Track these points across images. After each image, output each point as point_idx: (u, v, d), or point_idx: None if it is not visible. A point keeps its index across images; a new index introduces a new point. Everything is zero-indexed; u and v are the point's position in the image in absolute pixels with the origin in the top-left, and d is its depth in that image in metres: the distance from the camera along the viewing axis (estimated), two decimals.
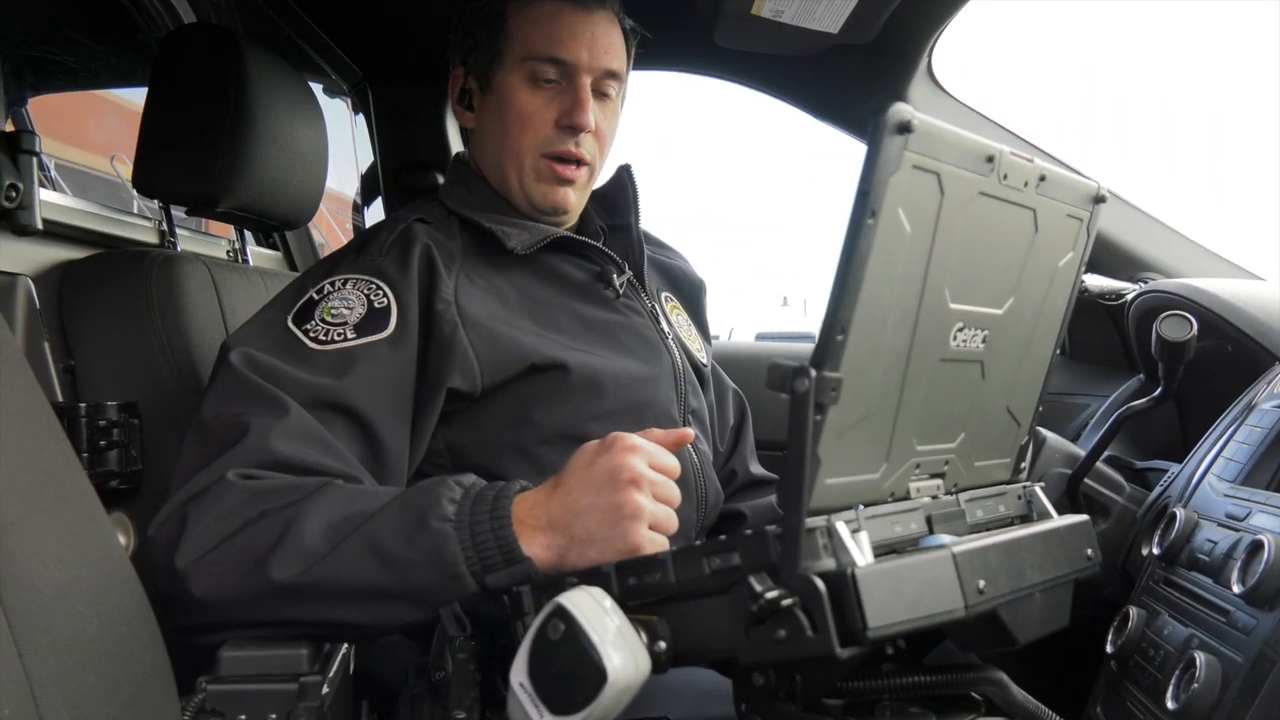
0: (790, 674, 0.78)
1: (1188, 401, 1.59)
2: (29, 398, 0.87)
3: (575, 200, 1.33)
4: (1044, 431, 1.40)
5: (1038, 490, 0.97)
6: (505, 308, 1.22)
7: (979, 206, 0.77)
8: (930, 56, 1.88)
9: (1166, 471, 1.34)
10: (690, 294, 1.56)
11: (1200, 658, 0.95)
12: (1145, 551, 1.22)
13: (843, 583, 0.68)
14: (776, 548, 0.72)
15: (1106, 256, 1.84)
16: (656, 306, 1.41)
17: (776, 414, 1.14)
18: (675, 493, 0.98)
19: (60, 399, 1.27)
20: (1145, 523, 1.28)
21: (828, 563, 0.72)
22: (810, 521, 0.70)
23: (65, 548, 0.83)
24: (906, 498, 0.83)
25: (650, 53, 1.43)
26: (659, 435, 1.00)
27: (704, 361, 1.48)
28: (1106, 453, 1.35)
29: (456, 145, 2.25)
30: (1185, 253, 1.88)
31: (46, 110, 1.91)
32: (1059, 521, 0.92)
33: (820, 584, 0.68)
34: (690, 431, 1.06)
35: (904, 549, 0.79)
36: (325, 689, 0.88)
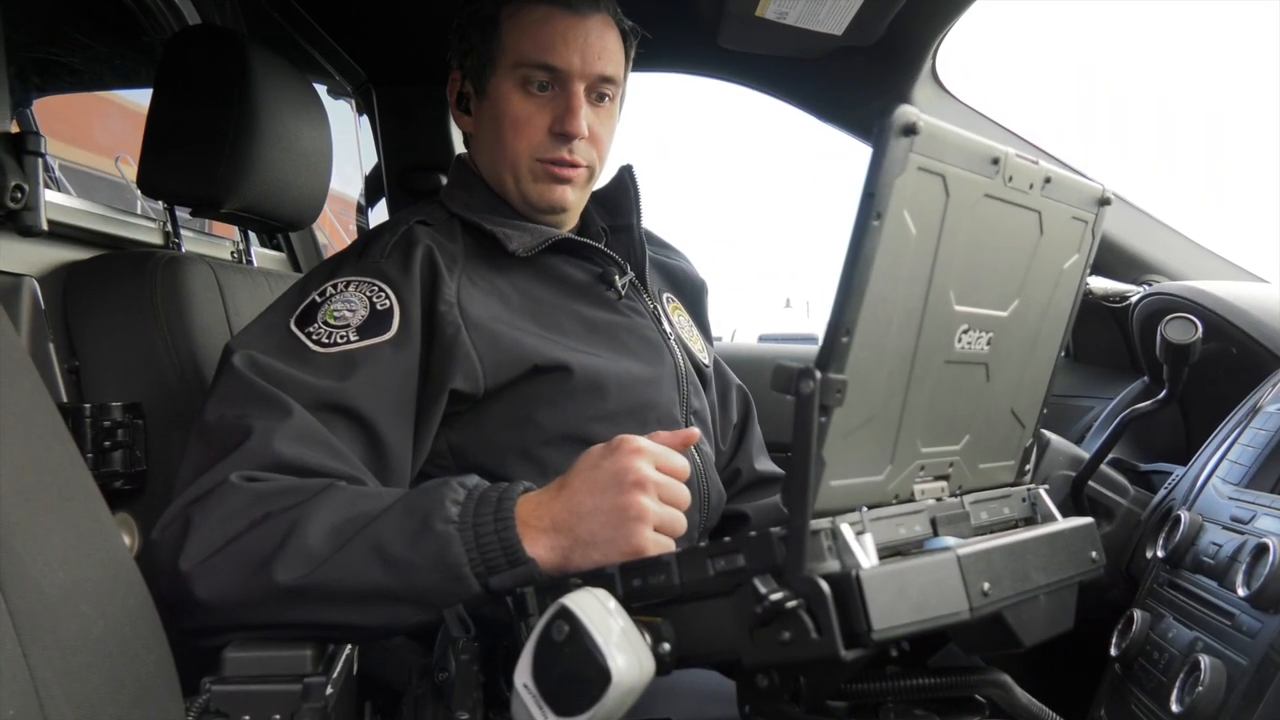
0: (794, 676, 0.77)
1: (1192, 404, 1.59)
2: (34, 398, 0.87)
3: (574, 198, 1.33)
4: (1048, 434, 1.40)
5: (1042, 493, 0.97)
6: (507, 309, 1.22)
7: (984, 209, 0.77)
8: (934, 58, 1.88)
9: (1171, 474, 1.34)
10: (692, 294, 1.56)
11: (1205, 661, 0.95)
12: (1149, 554, 1.22)
13: (847, 585, 0.68)
14: (781, 549, 0.72)
15: (1111, 259, 1.84)
16: (658, 307, 1.41)
17: (780, 415, 1.14)
18: (683, 494, 0.98)
19: (65, 400, 1.27)
20: (1150, 525, 1.28)
21: (832, 565, 0.72)
22: (815, 523, 0.71)
23: (70, 548, 0.83)
24: (911, 500, 0.83)
25: (654, 54, 1.43)
26: (665, 437, 1.00)
27: (705, 362, 1.48)
28: (1111, 455, 1.35)
29: (460, 147, 2.25)
30: (1190, 255, 1.87)
31: (50, 112, 1.91)
32: (1063, 524, 0.91)
33: (825, 586, 0.68)
34: (696, 432, 1.06)
35: (908, 551, 0.79)
36: (329, 690, 0.89)
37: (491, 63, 1.29)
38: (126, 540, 1.24)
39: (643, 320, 1.35)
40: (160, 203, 1.60)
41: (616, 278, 1.34)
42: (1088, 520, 0.94)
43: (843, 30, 1.73)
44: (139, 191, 1.48)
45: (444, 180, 2.19)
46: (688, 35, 1.89)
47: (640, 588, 0.80)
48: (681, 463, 0.99)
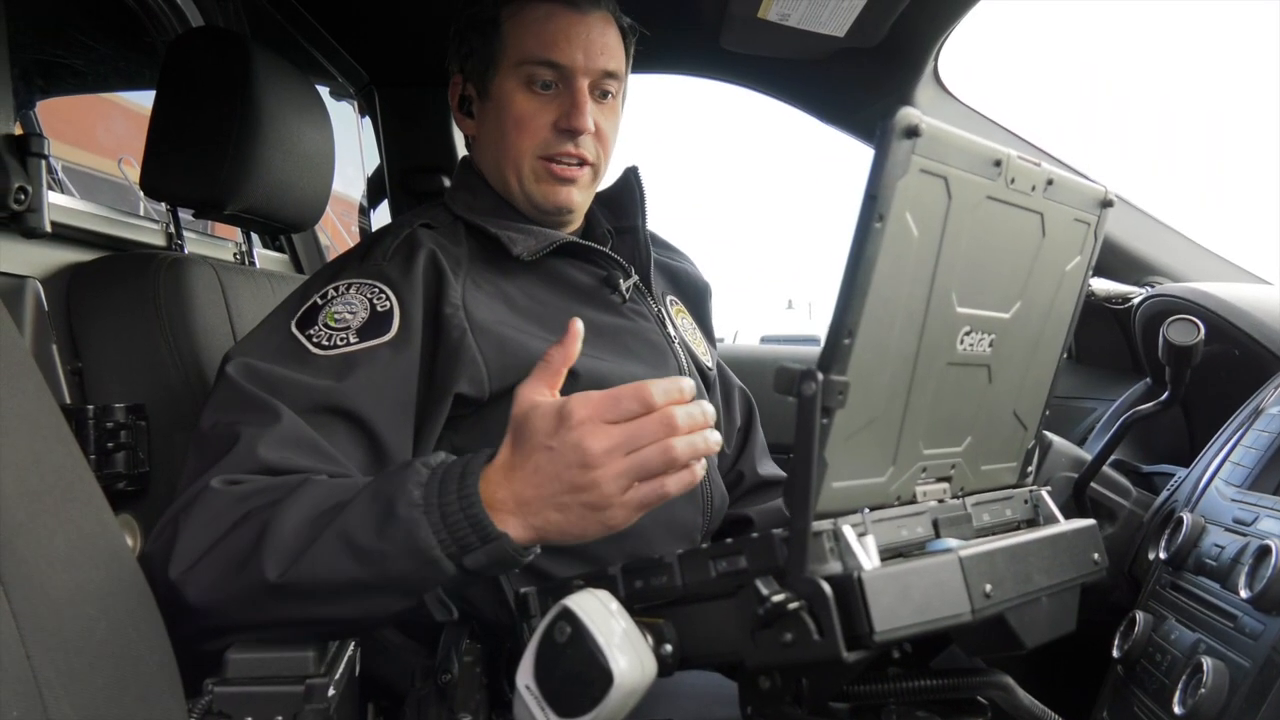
0: (796, 677, 0.78)
1: (1194, 406, 1.59)
2: (38, 400, 0.87)
3: (579, 199, 1.33)
4: (1050, 435, 1.40)
5: (1044, 494, 0.97)
6: (513, 313, 1.22)
7: (986, 210, 0.77)
8: (936, 60, 1.88)
9: (1173, 476, 1.34)
10: (695, 297, 1.56)
11: (1207, 663, 0.95)
12: (1152, 556, 1.22)
13: (849, 586, 0.68)
14: (783, 551, 0.72)
15: (1113, 260, 1.84)
16: (663, 310, 1.41)
17: (782, 417, 1.14)
18: (645, 433, 0.87)
19: (68, 401, 1.27)
20: (1152, 527, 1.28)
21: (834, 566, 0.72)
22: (817, 525, 0.71)
23: (74, 550, 0.83)
24: (913, 501, 0.83)
25: (656, 55, 1.43)
26: (554, 362, 0.94)
27: (709, 365, 1.48)
28: (1113, 457, 1.35)
29: (463, 149, 2.25)
30: (1192, 257, 1.87)
31: (53, 113, 1.92)
32: (1065, 526, 0.92)
33: (827, 587, 0.68)
34: (578, 323, 0.95)
35: (910, 553, 0.79)
36: (331, 691, 0.89)
37: (494, 63, 1.29)
38: (129, 541, 1.24)
39: (647, 324, 1.35)
40: (163, 204, 1.60)
41: (621, 281, 1.34)
42: (1090, 522, 0.94)
43: (845, 32, 1.73)
44: (141, 193, 1.48)
45: (446, 182, 2.20)
46: (690, 37, 1.89)
47: (642, 589, 0.80)
48: (628, 400, 0.87)
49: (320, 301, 1.15)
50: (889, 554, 0.77)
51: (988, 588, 0.75)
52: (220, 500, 0.96)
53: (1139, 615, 1.13)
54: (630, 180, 1.45)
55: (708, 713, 1.17)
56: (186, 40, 1.58)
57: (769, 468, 1.57)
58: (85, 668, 0.79)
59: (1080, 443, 1.66)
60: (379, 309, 1.14)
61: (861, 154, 2.12)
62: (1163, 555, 1.16)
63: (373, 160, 2.39)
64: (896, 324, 0.73)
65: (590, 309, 1.30)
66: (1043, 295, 0.89)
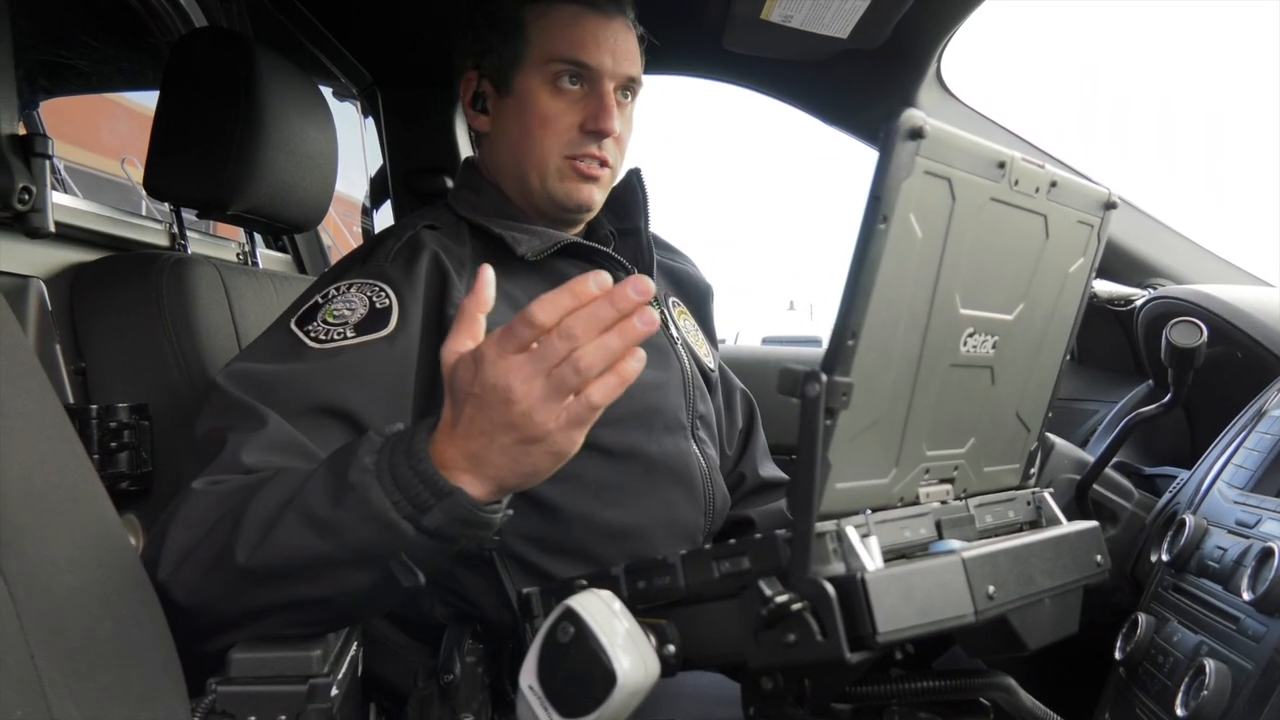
0: (799, 678, 0.78)
1: (1197, 408, 1.59)
2: (42, 400, 0.87)
3: (599, 198, 1.34)
4: (1053, 437, 1.40)
5: (1047, 496, 0.97)
6: (516, 313, 1.22)
7: (990, 212, 0.77)
8: (939, 61, 1.89)
9: (1176, 478, 1.34)
10: (697, 299, 1.56)
11: (1210, 665, 0.95)
12: (1154, 558, 1.22)
13: (852, 587, 0.68)
14: (786, 552, 0.72)
15: (1116, 262, 1.84)
16: (665, 312, 1.41)
17: (785, 418, 1.14)
18: (555, 351, 0.82)
19: (71, 401, 1.27)
20: (1154, 529, 1.28)
21: (837, 567, 0.72)
22: (820, 526, 0.71)
23: (78, 550, 0.83)
24: (916, 503, 0.83)
25: (660, 57, 1.43)
26: (470, 305, 0.90)
27: (711, 367, 1.48)
28: (1115, 459, 1.35)
29: (465, 149, 2.25)
30: (1194, 259, 1.88)
31: (56, 113, 1.92)
32: (1068, 527, 0.92)
33: (830, 588, 0.68)
34: (489, 271, 0.91)
35: (913, 554, 0.79)
36: (334, 691, 0.89)
37: (517, 61, 1.29)
38: (132, 542, 1.24)
39: None
40: (166, 204, 1.60)
41: (607, 275, 1.34)
42: (1092, 524, 0.94)
43: (848, 33, 1.73)
44: (144, 193, 1.48)
45: (449, 182, 2.20)
46: (693, 38, 1.90)
47: (645, 589, 0.80)
48: (520, 327, 0.83)
49: (321, 301, 1.16)
50: (892, 555, 0.77)
51: (990, 589, 0.75)
52: (202, 501, 0.96)
53: (1141, 617, 1.13)
54: (633, 182, 1.45)
55: (710, 713, 1.18)
56: (190, 40, 1.58)
57: (770, 469, 1.57)
58: (89, 667, 0.79)
59: (1082, 444, 1.66)
60: (378, 306, 1.14)
61: (863, 155, 2.12)
62: (1165, 557, 1.16)
63: (375, 161, 2.39)
64: (900, 325, 0.74)
65: None
66: (1046, 297, 0.89)
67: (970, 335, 0.81)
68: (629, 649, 0.75)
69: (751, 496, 1.53)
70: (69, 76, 1.85)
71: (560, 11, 1.28)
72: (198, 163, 1.40)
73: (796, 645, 0.69)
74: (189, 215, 1.60)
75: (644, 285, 0.82)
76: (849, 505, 0.75)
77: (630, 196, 1.45)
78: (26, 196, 1.17)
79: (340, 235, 2.82)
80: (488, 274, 0.91)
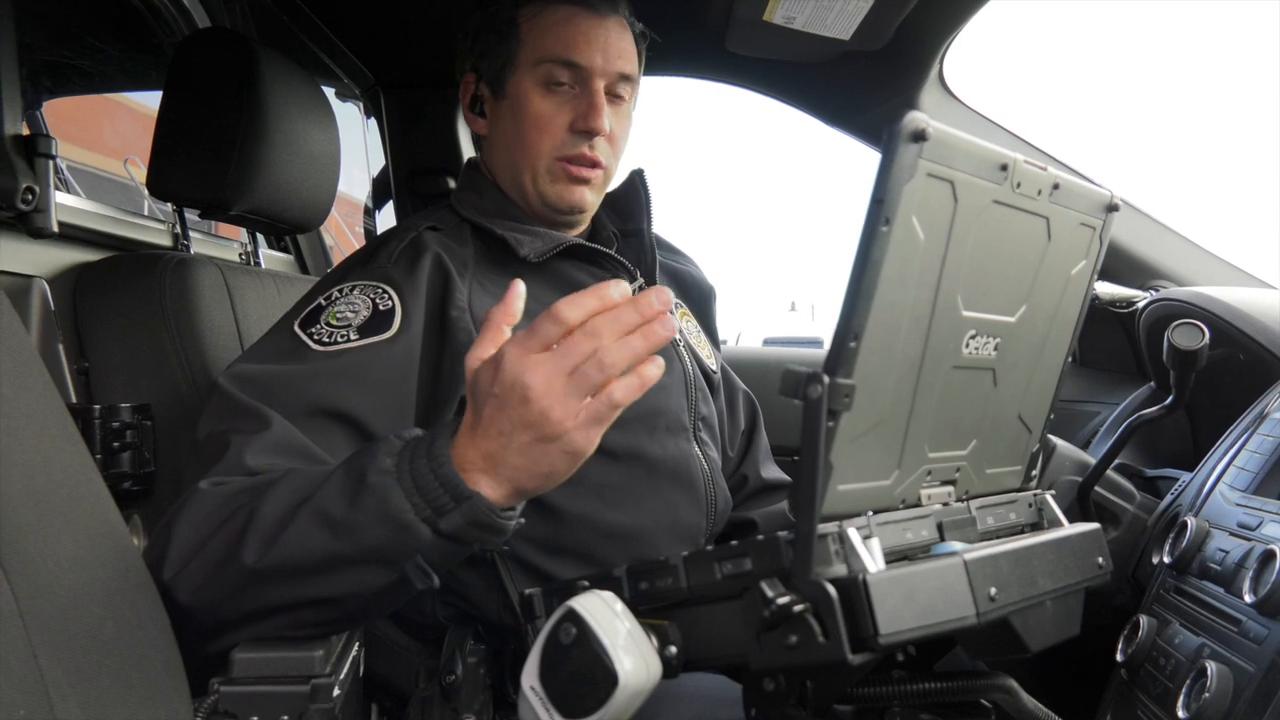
0: (801, 680, 0.78)
1: (1199, 410, 1.59)
2: (45, 400, 0.87)
3: (592, 200, 1.33)
4: (1054, 439, 1.40)
5: (1049, 498, 0.97)
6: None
7: (993, 214, 0.77)
8: (942, 63, 1.89)
9: (1177, 480, 1.34)
10: (700, 300, 1.56)
11: (1211, 667, 0.95)
12: (1156, 560, 1.22)
13: (855, 589, 0.68)
14: (788, 553, 0.72)
15: (1118, 264, 1.84)
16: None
17: (784, 419, 1.14)
18: (581, 350, 0.84)
19: (74, 400, 1.28)
20: (1156, 531, 1.28)
21: (839, 569, 0.72)
22: (822, 528, 0.71)
23: (81, 549, 0.83)
24: (918, 504, 0.83)
25: (662, 58, 1.43)
26: (497, 316, 0.92)
27: (713, 368, 1.48)
28: (1117, 461, 1.35)
29: (468, 150, 2.26)
30: (1196, 261, 1.88)
31: (59, 114, 1.92)
32: (1070, 529, 0.92)
33: (832, 590, 0.68)
34: (520, 284, 0.93)
35: (915, 556, 0.79)
36: (337, 691, 0.89)
37: (510, 62, 1.30)
38: (134, 541, 1.24)
39: None
40: (169, 205, 1.61)
41: (626, 284, 1.34)
42: (1094, 526, 0.94)
43: (850, 35, 1.73)
44: (147, 193, 1.48)
45: (451, 183, 2.20)
46: (696, 39, 1.90)
47: (647, 590, 0.80)
48: (545, 324, 0.85)
49: (324, 303, 1.16)
50: (894, 557, 0.77)
51: (992, 591, 0.75)
52: (208, 501, 0.96)
53: (1143, 619, 1.13)
54: (636, 183, 1.46)
55: (712, 714, 1.18)
56: (193, 41, 1.59)
57: (772, 471, 1.57)
58: (92, 667, 0.79)
59: (1084, 446, 1.66)
60: (381, 308, 1.14)
61: (864, 156, 2.12)
62: (1167, 559, 1.16)
63: (378, 161, 2.40)
64: (902, 327, 0.74)
65: None
66: (1048, 299, 0.89)
67: (972, 337, 0.81)
68: (631, 650, 0.75)
69: (753, 498, 1.53)
70: (72, 76, 1.85)
71: (552, 12, 1.28)
72: (201, 163, 1.41)
73: (798, 647, 0.69)
74: (191, 215, 1.60)
75: (666, 296, 0.86)
76: (851, 507, 0.75)
77: (633, 197, 1.45)
78: (30, 196, 1.18)
79: (343, 236, 2.83)
80: (519, 287, 0.93)
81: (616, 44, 1.29)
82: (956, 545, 0.80)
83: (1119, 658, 1.13)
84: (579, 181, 1.30)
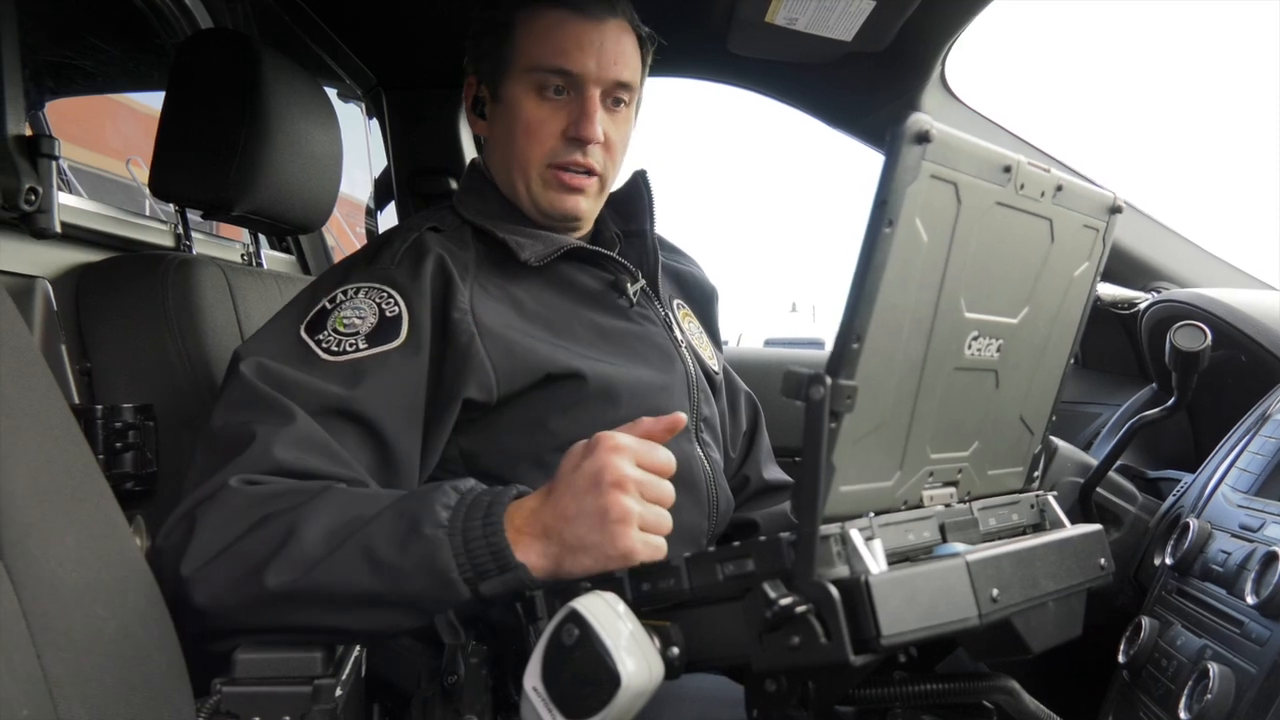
0: (803, 681, 0.78)
1: (1200, 412, 1.59)
2: (48, 400, 0.87)
3: (586, 208, 1.33)
4: (1056, 440, 1.40)
5: (1051, 499, 0.97)
6: (521, 317, 1.22)
7: (996, 216, 0.77)
8: (944, 64, 1.89)
9: (1179, 481, 1.34)
10: (702, 301, 1.56)
11: (1214, 669, 0.95)
12: (1158, 561, 1.22)
13: (857, 590, 0.68)
14: (790, 554, 0.72)
15: (1120, 265, 1.84)
16: (670, 314, 1.41)
17: (787, 420, 1.14)
18: (667, 491, 0.95)
19: (77, 401, 1.28)
20: (1158, 533, 1.28)
21: (842, 570, 0.72)
22: (824, 529, 0.71)
23: (84, 549, 0.83)
24: (920, 506, 0.83)
25: (664, 59, 1.43)
26: (649, 425, 0.98)
27: (715, 369, 1.48)
28: (1119, 462, 1.35)
29: (470, 151, 2.26)
30: (1199, 262, 1.88)
31: (61, 114, 1.92)
32: (1072, 531, 0.92)
33: (834, 591, 0.68)
34: (681, 417, 1.00)
35: (917, 557, 0.79)
36: (339, 692, 0.89)
37: (505, 67, 1.29)
38: (137, 542, 1.25)
39: (654, 328, 1.35)
40: (171, 205, 1.61)
41: (629, 285, 1.34)
42: (1096, 527, 0.94)
43: (852, 36, 1.73)
44: (149, 193, 1.49)
45: (453, 184, 2.20)
46: (698, 40, 1.90)
47: (650, 591, 0.80)
48: (665, 457, 0.96)
49: (329, 306, 1.15)
50: (896, 558, 0.77)
51: (994, 592, 0.75)
52: (238, 500, 0.96)
53: (1145, 621, 1.13)
54: (638, 184, 1.45)
55: (714, 715, 1.17)
56: (195, 42, 1.59)
57: (774, 472, 1.57)
58: (95, 667, 0.79)
59: (1086, 448, 1.66)
60: (388, 314, 1.14)
61: (865, 157, 2.13)
62: (1169, 561, 1.16)
63: (380, 162, 2.40)
64: (905, 329, 0.74)
65: (598, 313, 1.30)
66: (1051, 301, 0.89)
67: (975, 339, 0.81)
68: (633, 651, 0.75)
69: (755, 499, 1.53)
70: (75, 77, 1.86)
71: (546, 16, 1.27)
72: (203, 164, 1.41)
73: (800, 648, 0.69)
74: (193, 216, 1.60)
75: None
76: (853, 508, 0.75)
77: (635, 198, 1.45)
78: (33, 197, 1.18)
79: (344, 236, 2.83)
80: (680, 420, 0.99)
81: (613, 49, 1.27)
82: (959, 546, 0.80)
83: (1121, 659, 1.13)
84: (572, 190, 1.29)
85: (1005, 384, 0.87)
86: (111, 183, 2.02)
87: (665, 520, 0.95)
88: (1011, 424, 0.92)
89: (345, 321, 1.13)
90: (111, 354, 1.33)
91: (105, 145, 2.08)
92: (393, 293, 1.16)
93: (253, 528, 0.94)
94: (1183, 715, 0.96)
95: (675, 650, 0.78)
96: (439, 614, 0.92)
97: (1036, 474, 0.99)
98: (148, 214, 1.71)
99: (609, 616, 0.77)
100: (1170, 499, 1.31)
